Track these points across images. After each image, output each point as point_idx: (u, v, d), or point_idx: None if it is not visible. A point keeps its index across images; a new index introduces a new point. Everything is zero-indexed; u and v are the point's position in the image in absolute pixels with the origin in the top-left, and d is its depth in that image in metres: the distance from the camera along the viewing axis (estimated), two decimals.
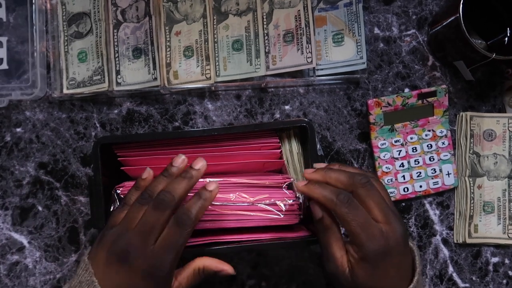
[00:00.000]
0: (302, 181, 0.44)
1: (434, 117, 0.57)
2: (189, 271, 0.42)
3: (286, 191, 0.47)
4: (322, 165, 0.46)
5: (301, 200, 0.47)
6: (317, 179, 0.43)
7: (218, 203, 0.45)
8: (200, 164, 0.42)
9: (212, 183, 0.41)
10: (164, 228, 0.39)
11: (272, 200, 0.46)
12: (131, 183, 0.46)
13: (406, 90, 0.59)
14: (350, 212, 0.40)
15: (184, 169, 0.42)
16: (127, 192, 0.43)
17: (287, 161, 0.51)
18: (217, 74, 0.56)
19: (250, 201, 0.46)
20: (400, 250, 0.40)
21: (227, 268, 0.43)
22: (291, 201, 0.46)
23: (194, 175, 0.41)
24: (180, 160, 0.42)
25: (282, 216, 0.46)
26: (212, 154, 0.48)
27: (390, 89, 0.59)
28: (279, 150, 0.50)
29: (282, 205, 0.46)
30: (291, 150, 0.51)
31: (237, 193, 0.46)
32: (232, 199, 0.45)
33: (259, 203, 0.45)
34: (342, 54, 0.57)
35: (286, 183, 0.47)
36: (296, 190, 0.46)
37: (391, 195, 0.57)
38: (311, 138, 0.48)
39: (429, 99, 0.56)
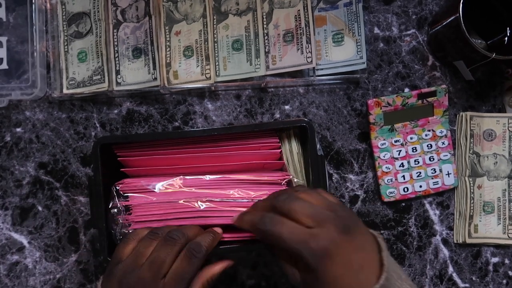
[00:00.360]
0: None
1: (434, 117, 0.57)
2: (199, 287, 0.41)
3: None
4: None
5: None
6: (249, 211, 0.43)
7: (217, 199, 0.45)
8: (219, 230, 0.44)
9: (218, 228, 0.44)
10: (173, 263, 0.40)
11: None
12: (131, 180, 0.46)
13: (406, 90, 0.59)
14: (274, 228, 0.37)
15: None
16: (133, 230, 0.45)
17: (287, 161, 0.51)
18: (217, 74, 0.56)
19: (250, 196, 0.46)
20: (342, 247, 0.36)
21: (228, 263, 0.44)
22: None
23: (215, 234, 0.44)
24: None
25: None
26: (212, 154, 0.48)
27: (390, 89, 0.59)
28: (279, 150, 0.50)
29: None
30: (291, 150, 0.51)
31: (237, 190, 0.46)
32: (231, 196, 0.46)
33: (258, 199, 0.46)
34: (342, 54, 0.57)
35: (285, 179, 0.47)
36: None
37: (391, 195, 0.57)
38: (311, 138, 0.48)
39: (429, 99, 0.56)
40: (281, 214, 0.38)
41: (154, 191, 0.47)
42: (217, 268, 0.43)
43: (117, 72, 0.56)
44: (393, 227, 0.58)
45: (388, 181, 0.57)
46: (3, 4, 0.57)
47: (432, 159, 0.57)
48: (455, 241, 0.58)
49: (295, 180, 0.48)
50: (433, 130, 0.57)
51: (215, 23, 0.56)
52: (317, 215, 0.37)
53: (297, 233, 0.37)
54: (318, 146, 0.51)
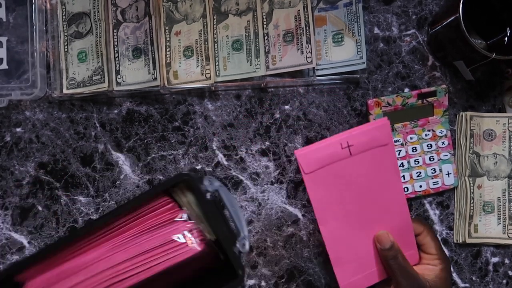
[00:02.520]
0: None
1: (434, 117, 0.57)
2: None
3: (181, 222, 0.46)
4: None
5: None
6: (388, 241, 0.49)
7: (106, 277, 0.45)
8: None
9: None
10: None
11: (168, 237, 0.45)
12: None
13: (406, 90, 0.59)
14: (433, 233, 0.52)
15: None
16: None
17: (190, 212, 0.47)
18: (217, 74, 0.56)
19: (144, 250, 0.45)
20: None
21: None
22: (189, 231, 0.45)
23: None
24: None
25: (189, 245, 0.45)
26: (107, 242, 0.47)
27: (390, 89, 0.59)
28: (175, 209, 0.47)
29: (181, 236, 0.45)
30: (189, 201, 0.47)
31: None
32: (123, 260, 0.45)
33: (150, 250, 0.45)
34: (342, 54, 0.57)
35: (181, 214, 0.46)
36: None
37: None
38: (196, 188, 0.46)
39: (429, 99, 0.56)
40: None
41: None
42: None
43: (117, 72, 0.56)
44: None
45: None
46: (3, 4, 0.57)
47: (432, 159, 0.57)
48: (455, 241, 0.58)
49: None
50: (433, 130, 0.57)
51: (215, 23, 0.57)
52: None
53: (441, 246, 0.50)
54: (208, 188, 0.48)
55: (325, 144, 0.45)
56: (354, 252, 0.48)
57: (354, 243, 0.48)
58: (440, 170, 0.57)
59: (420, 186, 0.57)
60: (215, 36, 0.56)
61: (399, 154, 0.57)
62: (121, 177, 0.57)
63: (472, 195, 0.57)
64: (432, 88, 0.56)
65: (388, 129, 0.46)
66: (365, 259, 0.49)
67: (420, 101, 0.56)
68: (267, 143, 0.58)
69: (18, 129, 0.57)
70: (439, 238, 0.58)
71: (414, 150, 0.57)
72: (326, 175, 0.46)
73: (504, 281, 0.58)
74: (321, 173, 0.46)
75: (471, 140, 0.58)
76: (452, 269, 0.58)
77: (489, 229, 0.57)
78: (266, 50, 0.56)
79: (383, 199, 0.47)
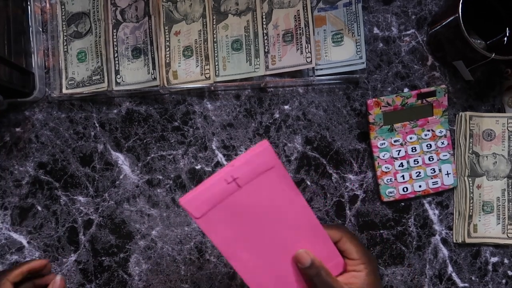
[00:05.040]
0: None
1: (434, 117, 0.57)
2: None
3: None
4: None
5: None
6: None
7: None
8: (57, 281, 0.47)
9: (55, 277, 0.47)
10: None
11: None
12: None
13: (406, 90, 0.59)
14: (353, 237, 0.46)
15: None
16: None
17: None
18: (217, 74, 0.56)
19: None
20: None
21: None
22: None
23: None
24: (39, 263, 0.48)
25: None
26: None
27: (389, 89, 0.59)
28: None
29: None
30: None
31: None
32: None
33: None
34: (342, 54, 0.57)
35: None
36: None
37: (390, 194, 0.57)
38: None
39: (429, 99, 0.56)
40: None
41: None
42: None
43: (117, 72, 0.56)
44: (392, 226, 0.58)
45: (388, 181, 0.57)
46: None
47: (431, 159, 0.57)
48: (454, 241, 0.58)
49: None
50: (432, 130, 0.57)
51: (214, 23, 0.57)
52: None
53: (364, 249, 0.46)
54: None
55: (209, 184, 0.42)
56: (275, 277, 0.46)
57: (273, 268, 0.46)
58: (440, 170, 0.57)
59: (420, 186, 0.57)
60: (214, 36, 0.56)
61: (398, 154, 0.57)
62: (121, 177, 0.57)
63: (471, 195, 0.57)
64: (432, 88, 0.56)
65: (270, 151, 0.42)
66: (288, 281, 0.46)
67: (419, 101, 0.56)
68: None
69: (17, 129, 0.57)
70: (438, 238, 0.58)
71: (414, 150, 0.57)
72: (221, 214, 0.43)
73: (504, 280, 0.58)
74: (214, 213, 0.43)
75: (471, 140, 0.58)
76: (451, 269, 0.58)
77: (489, 229, 0.57)
78: (266, 50, 0.56)
79: (289, 218, 0.45)
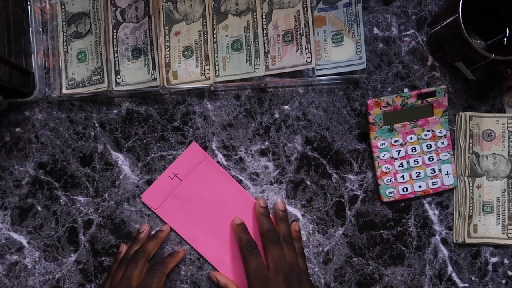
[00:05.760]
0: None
1: (434, 117, 0.57)
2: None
3: None
4: (258, 209, 0.56)
5: None
6: (257, 213, 0.55)
7: None
8: (164, 227, 0.56)
9: (164, 225, 0.56)
10: (140, 275, 0.50)
11: None
12: None
13: (406, 90, 0.59)
14: (248, 257, 0.51)
15: (148, 232, 0.56)
16: (109, 268, 0.55)
17: None
18: (217, 74, 0.56)
19: None
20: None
21: (179, 254, 0.55)
22: None
23: (159, 236, 0.55)
24: (144, 227, 0.56)
25: None
26: None
27: (389, 89, 0.59)
28: None
29: None
30: None
31: None
32: None
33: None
34: (342, 54, 0.57)
35: None
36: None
37: (390, 195, 0.57)
38: None
39: (429, 99, 0.56)
40: (264, 245, 0.52)
41: None
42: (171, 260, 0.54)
43: (117, 72, 0.56)
44: (392, 227, 0.58)
45: (388, 181, 0.57)
46: None
47: (431, 159, 0.57)
48: (454, 241, 0.58)
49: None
50: (432, 130, 0.57)
51: (214, 23, 0.57)
52: (276, 264, 0.50)
53: (258, 269, 0.50)
54: None
55: (159, 182, 0.56)
56: (230, 251, 0.56)
57: (226, 244, 0.56)
58: (440, 170, 0.57)
59: (420, 186, 0.57)
60: (214, 36, 0.56)
61: (398, 154, 0.57)
62: (121, 177, 0.57)
63: (471, 195, 0.57)
64: (432, 88, 0.56)
65: (198, 149, 0.57)
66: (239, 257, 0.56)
67: (419, 101, 0.56)
68: (266, 143, 0.58)
69: (17, 129, 0.57)
70: (438, 238, 0.58)
71: (414, 150, 0.57)
72: (172, 203, 0.56)
73: (504, 281, 0.58)
74: (167, 203, 0.56)
75: (471, 140, 0.58)
76: (451, 269, 0.58)
77: (489, 229, 0.57)
78: (266, 50, 0.56)
79: (226, 199, 0.56)
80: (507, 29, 0.57)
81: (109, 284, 0.51)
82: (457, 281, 0.58)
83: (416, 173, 0.57)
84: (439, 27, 0.57)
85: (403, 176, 0.57)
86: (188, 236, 0.56)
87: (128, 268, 0.50)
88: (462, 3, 0.51)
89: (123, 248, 0.55)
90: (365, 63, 0.56)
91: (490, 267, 0.58)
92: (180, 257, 0.55)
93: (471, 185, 0.57)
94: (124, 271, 0.50)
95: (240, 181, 0.57)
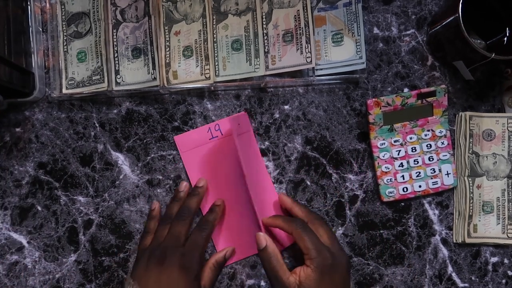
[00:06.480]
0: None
1: (434, 117, 0.57)
2: (207, 271, 0.51)
3: None
4: (289, 199, 0.55)
5: None
6: (287, 203, 0.54)
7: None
8: (202, 183, 0.55)
9: (200, 180, 0.55)
10: (187, 233, 0.51)
11: None
12: None
13: (406, 90, 0.59)
14: (304, 232, 0.48)
15: (188, 190, 0.55)
16: (145, 223, 0.56)
17: None
18: (217, 74, 0.56)
19: None
20: (342, 271, 0.47)
21: (228, 249, 0.54)
22: None
23: (200, 192, 0.54)
24: (183, 185, 0.55)
25: None
26: None
27: (389, 89, 0.59)
28: None
29: None
30: None
31: None
32: None
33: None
34: (342, 54, 0.57)
35: None
36: (262, 222, 0.53)
37: (390, 194, 0.57)
38: None
39: (429, 99, 0.56)
40: (310, 225, 0.50)
41: None
42: (220, 254, 0.53)
43: (117, 72, 0.56)
44: (392, 227, 0.58)
45: (388, 181, 0.57)
46: None
47: (431, 159, 0.57)
48: (454, 241, 0.58)
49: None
50: (432, 130, 0.57)
51: (214, 23, 0.56)
52: (334, 241, 0.49)
53: (318, 245, 0.48)
54: None
55: (199, 129, 0.57)
56: (230, 225, 0.56)
57: (238, 219, 0.56)
58: (440, 170, 0.57)
59: (420, 186, 0.57)
60: (214, 36, 0.56)
61: (398, 154, 0.57)
62: (121, 177, 0.57)
63: (471, 195, 0.57)
64: (432, 88, 0.56)
65: (246, 119, 0.57)
66: (247, 233, 0.56)
67: (419, 101, 0.56)
68: (266, 143, 0.58)
69: (17, 129, 0.57)
70: (438, 238, 0.58)
71: (414, 150, 0.57)
72: (201, 153, 0.56)
73: (504, 281, 0.58)
74: (197, 151, 0.56)
75: (471, 140, 0.58)
76: (451, 269, 0.58)
77: (489, 229, 0.57)
78: (266, 50, 0.56)
79: (255, 178, 0.55)
80: (507, 29, 0.57)
81: (152, 240, 0.51)
82: (457, 281, 0.58)
83: (416, 173, 0.57)
84: (439, 27, 0.57)
85: (403, 176, 0.57)
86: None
87: (175, 225, 0.51)
88: (462, 3, 0.51)
89: (156, 205, 0.55)
90: (365, 63, 0.56)
91: (490, 267, 0.58)
92: (221, 211, 0.55)
93: (471, 185, 0.57)
94: (171, 228, 0.51)
95: None
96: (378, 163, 0.57)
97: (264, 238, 0.49)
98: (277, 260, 0.48)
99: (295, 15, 0.56)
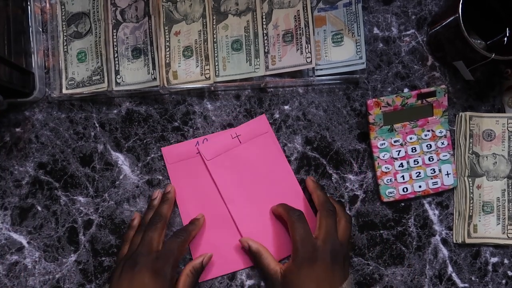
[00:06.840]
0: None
1: (434, 117, 0.57)
2: (184, 278, 0.51)
3: None
4: (313, 183, 0.56)
5: None
6: (310, 187, 0.56)
7: None
8: (169, 188, 0.56)
9: (168, 186, 0.56)
10: (159, 238, 0.51)
11: None
12: None
13: (406, 90, 0.59)
14: (297, 223, 0.50)
15: (161, 198, 0.56)
16: (123, 235, 0.55)
17: None
18: (217, 74, 0.56)
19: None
20: (324, 265, 0.48)
21: (206, 256, 0.54)
22: None
23: (169, 197, 0.55)
24: (156, 193, 0.56)
25: None
26: None
27: (389, 89, 0.59)
28: None
29: None
30: None
31: None
32: None
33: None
34: (342, 54, 0.57)
35: None
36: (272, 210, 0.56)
37: (390, 195, 0.57)
38: None
39: (429, 99, 0.56)
40: (319, 214, 0.51)
41: None
42: (197, 260, 0.53)
43: (117, 72, 0.56)
44: (392, 227, 0.58)
45: (388, 181, 0.57)
46: None
47: (431, 159, 0.57)
48: (454, 241, 0.58)
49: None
50: (432, 130, 0.57)
51: (214, 23, 0.57)
52: (328, 236, 0.49)
53: (305, 238, 0.49)
54: None
55: (219, 137, 0.57)
56: (261, 225, 0.56)
57: (258, 216, 0.56)
58: (440, 170, 0.57)
59: (420, 187, 0.57)
60: (214, 36, 0.56)
61: (398, 154, 0.57)
62: (121, 177, 0.57)
63: (471, 195, 0.57)
64: (432, 88, 0.56)
65: (265, 121, 0.58)
66: (267, 230, 0.56)
67: (419, 101, 0.56)
68: None
69: (17, 129, 0.57)
70: (438, 238, 0.58)
71: (414, 151, 0.57)
72: (224, 160, 0.57)
73: (504, 281, 0.58)
74: (220, 159, 0.57)
75: (471, 140, 0.58)
76: (451, 269, 0.58)
77: (489, 229, 0.57)
78: (266, 50, 0.56)
79: (279, 177, 0.57)
80: (507, 29, 0.57)
81: (127, 249, 0.52)
82: (457, 281, 0.58)
83: (416, 173, 0.57)
84: (439, 27, 0.57)
85: (403, 176, 0.57)
86: (226, 195, 0.56)
87: (147, 232, 0.51)
88: (462, 3, 0.51)
89: (136, 216, 0.56)
90: (365, 63, 0.56)
91: (490, 267, 0.58)
92: (201, 224, 0.55)
93: (471, 185, 0.57)
94: (143, 235, 0.51)
95: None
96: (378, 163, 0.57)
97: (245, 242, 0.54)
98: (262, 257, 0.52)
99: (295, 15, 0.56)
